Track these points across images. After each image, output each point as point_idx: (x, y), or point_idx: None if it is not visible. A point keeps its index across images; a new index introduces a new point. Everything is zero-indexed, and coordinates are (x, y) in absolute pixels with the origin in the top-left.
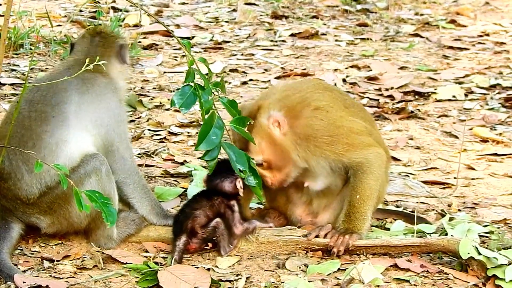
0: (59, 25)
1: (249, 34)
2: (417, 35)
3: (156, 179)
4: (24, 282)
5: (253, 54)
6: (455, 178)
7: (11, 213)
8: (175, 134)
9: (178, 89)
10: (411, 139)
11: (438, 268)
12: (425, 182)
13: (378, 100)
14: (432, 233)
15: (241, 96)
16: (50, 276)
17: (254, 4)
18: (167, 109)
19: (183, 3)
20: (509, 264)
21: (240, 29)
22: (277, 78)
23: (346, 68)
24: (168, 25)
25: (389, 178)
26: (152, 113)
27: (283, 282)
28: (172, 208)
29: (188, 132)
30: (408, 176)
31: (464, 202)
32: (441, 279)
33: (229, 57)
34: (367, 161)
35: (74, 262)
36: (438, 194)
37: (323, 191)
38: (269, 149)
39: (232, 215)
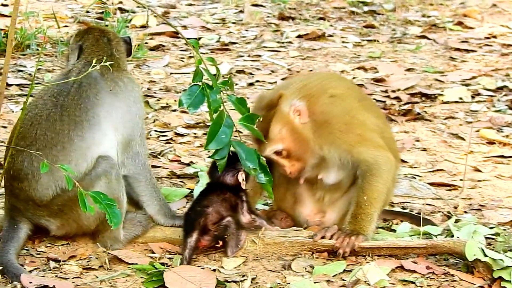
0: (66, 26)
1: (256, 35)
2: (424, 37)
3: (163, 180)
4: (30, 282)
5: (259, 56)
6: (461, 180)
7: (20, 214)
8: (182, 135)
9: (185, 89)
10: (418, 140)
11: (444, 269)
12: (431, 184)
13: (384, 101)
14: (438, 234)
15: (248, 98)
16: (56, 276)
17: (261, 5)
18: (174, 110)
19: (190, 4)
20: None
21: (247, 30)
22: (284, 79)
23: (353, 70)
24: (175, 27)
25: (397, 180)
26: (158, 114)
27: (289, 283)
28: (178, 209)
29: (195, 133)
30: (415, 178)
31: (470, 204)
32: (447, 280)
33: (236, 58)
34: (376, 163)
35: (80, 262)
36: (444, 196)
37: (334, 186)
38: (289, 137)
39: (241, 204)
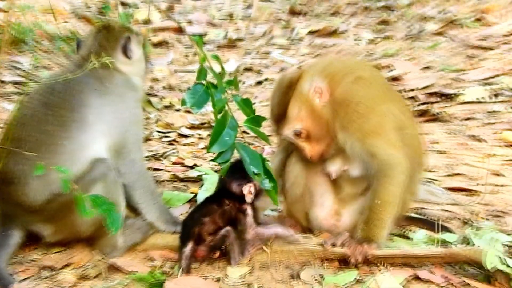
0: (65, 22)
1: (265, 31)
2: (441, 33)
3: (165, 184)
4: None
5: (268, 53)
6: (481, 184)
7: (11, 219)
8: (185, 136)
9: (189, 88)
10: (435, 143)
11: (461, 280)
12: (449, 189)
13: None
14: (456, 242)
15: (256, 97)
16: (50, 286)
17: (270, 0)
18: (177, 110)
19: None
20: None
21: (255, 26)
22: None
23: None
24: (179, 22)
25: (418, 187)
26: (161, 114)
27: None
28: (181, 215)
29: (199, 134)
30: (432, 182)
31: (490, 210)
32: None
33: (244, 55)
34: (389, 163)
35: (75, 271)
36: (462, 202)
37: (355, 183)
38: (309, 117)
39: (244, 219)
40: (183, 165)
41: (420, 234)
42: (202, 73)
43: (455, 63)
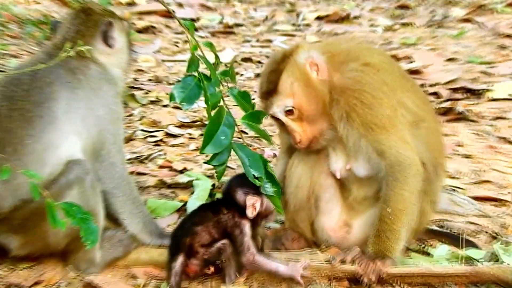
0: (37, 3)
1: (267, 16)
2: (468, 20)
3: (150, 190)
4: None
5: (270, 41)
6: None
7: None
8: (174, 136)
9: (179, 80)
10: (460, 145)
11: None
12: (475, 198)
13: None
14: (483, 259)
15: (255, 91)
16: None
17: None
18: (165, 106)
19: None
20: None
21: (255, 10)
22: None
23: None
24: (168, 4)
25: (440, 195)
26: (146, 110)
27: None
28: (168, 226)
29: (190, 134)
30: (455, 191)
31: None
32: None
33: (242, 43)
34: (399, 164)
35: None
36: (490, 213)
37: (365, 187)
38: (302, 93)
39: (240, 236)
40: (171, 169)
41: (442, 249)
42: (193, 63)
43: (484, 54)
